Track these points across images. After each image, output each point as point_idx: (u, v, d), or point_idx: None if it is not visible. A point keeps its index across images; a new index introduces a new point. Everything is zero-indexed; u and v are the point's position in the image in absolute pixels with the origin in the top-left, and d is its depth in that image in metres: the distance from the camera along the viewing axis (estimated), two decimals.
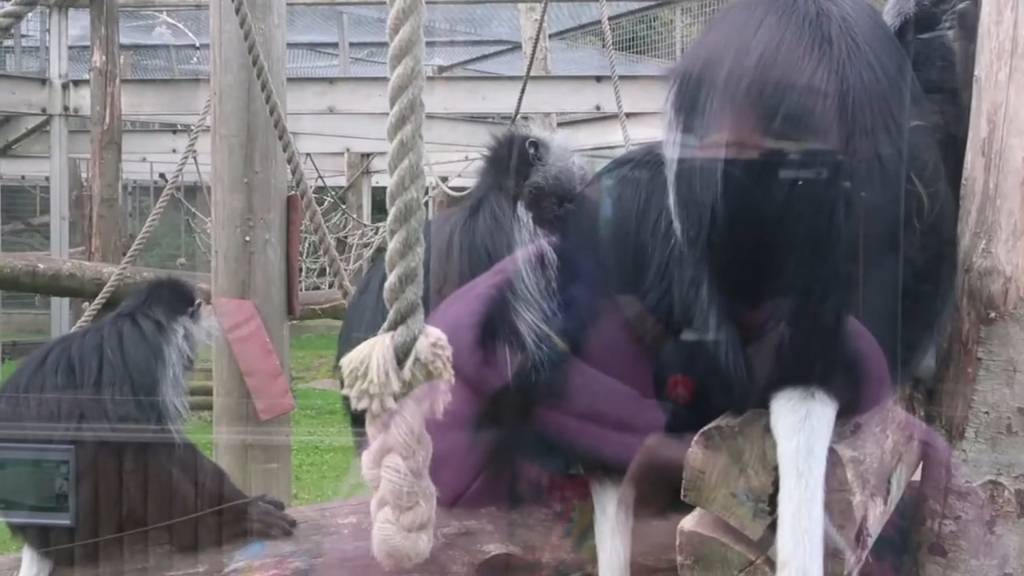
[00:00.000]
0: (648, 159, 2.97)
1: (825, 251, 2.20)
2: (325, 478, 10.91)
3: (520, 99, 9.06)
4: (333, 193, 21.81)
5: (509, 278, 2.86)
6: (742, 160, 2.24)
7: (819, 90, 2.21)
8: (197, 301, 3.37)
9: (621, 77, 9.70)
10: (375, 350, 2.02)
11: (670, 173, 2.44)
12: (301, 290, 7.33)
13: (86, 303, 11.65)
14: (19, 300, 22.76)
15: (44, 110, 14.09)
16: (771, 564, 2.29)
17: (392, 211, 2.04)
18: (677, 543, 2.40)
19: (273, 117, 5.16)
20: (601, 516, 2.89)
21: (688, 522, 2.41)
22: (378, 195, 24.99)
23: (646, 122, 13.49)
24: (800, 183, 2.19)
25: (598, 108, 13.18)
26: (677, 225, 2.42)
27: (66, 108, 13.94)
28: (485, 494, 3.00)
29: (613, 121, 10.88)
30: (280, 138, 5.19)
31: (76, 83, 13.99)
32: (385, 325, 2.06)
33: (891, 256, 2.33)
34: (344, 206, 21.24)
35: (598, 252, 2.94)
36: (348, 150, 19.68)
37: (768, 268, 2.24)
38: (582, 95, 13.40)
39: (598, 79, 13.16)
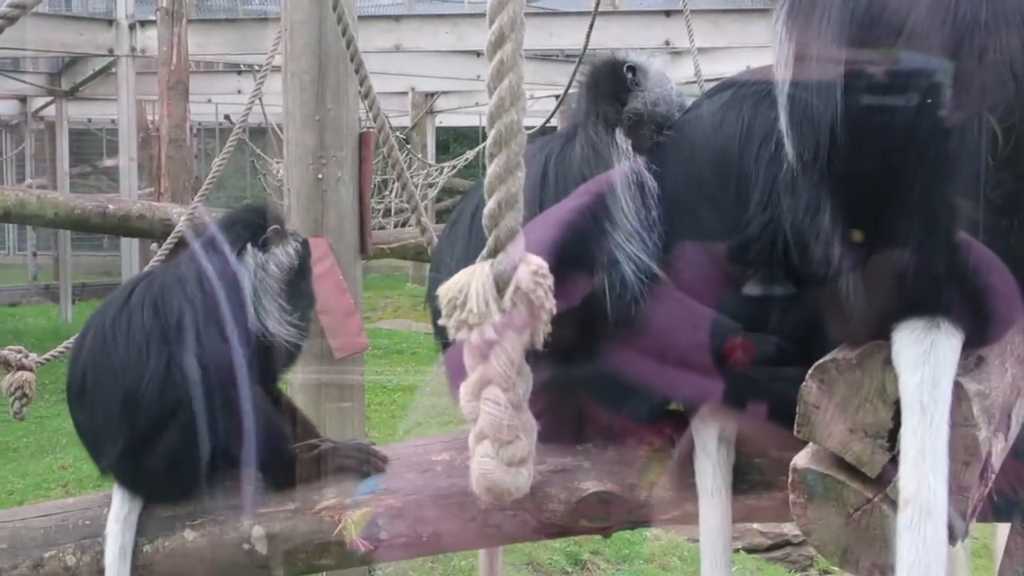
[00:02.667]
0: (750, 84, 2.86)
1: (954, 173, 2.08)
2: (394, 417, 10.95)
3: (588, 35, 8.89)
4: (397, 133, 21.74)
5: (607, 206, 2.76)
6: (865, 76, 2.12)
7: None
8: (269, 228, 3.28)
9: (692, 11, 9.49)
10: (474, 279, 1.94)
11: (781, 94, 2.32)
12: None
13: (154, 244, 11.74)
14: (88, 242, 23.03)
15: (111, 51, 14.10)
16: (890, 502, 2.20)
17: (491, 134, 1.94)
18: (789, 480, 2.31)
19: (349, 51, 5.08)
20: (702, 453, 2.81)
21: (801, 459, 2.32)
22: (441, 135, 24.97)
23: (717, 57, 13.34)
24: (928, 100, 2.06)
25: (667, 43, 12.96)
26: (790, 148, 2.30)
27: (133, 49, 13.94)
28: (581, 430, 2.92)
29: (683, 57, 10.70)
30: (356, 72, 5.10)
31: (143, 23, 13.97)
32: (484, 252, 1.98)
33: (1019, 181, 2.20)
34: (409, 146, 21.20)
35: (698, 180, 2.83)
36: (413, 89, 19.58)
37: (892, 191, 2.12)
38: (651, 30, 13.18)
39: (667, 14, 12.96)
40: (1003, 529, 2.95)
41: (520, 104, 1.92)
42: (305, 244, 3.37)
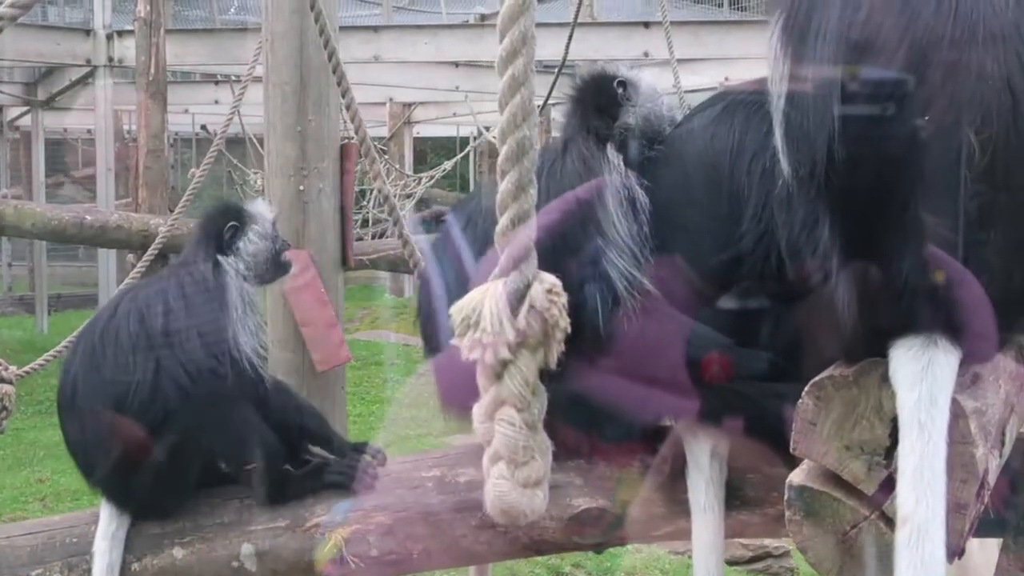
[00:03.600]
0: (740, 98, 2.85)
1: (952, 190, 2.08)
2: (373, 429, 10.90)
3: (567, 46, 8.88)
4: (377, 144, 21.69)
5: (599, 220, 2.75)
6: (861, 93, 2.11)
7: (947, 15, 2.08)
8: (229, 224, 3.29)
9: (671, 23, 9.49)
10: (487, 297, 1.92)
11: (776, 110, 2.32)
12: None
13: (131, 255, 11.68)
14: (63, 253, 22.87)
15: (88, 61, 14.02)
16: (887, 520, 2.20)
17: (504, 150, 1.92)
18: (785, 497, 2.30)
19: (332, 63, 5.05)
20: (695, 469, 2.80)
21: (797, 476, 2.31)
22: (418, 145, 24.93)
23: (695, 68, 13.36)
24: (925, 116, 2.06)
25: (646, 54, 12.98)
26: (785, 163, 2.30)
27: (110, 59, 13.87)
28: (572, 446, 2.91)
29: (663, 68, 10.71)
30: (339, 84, 5.08)
31: (120, 33, 13.90)
32: (496, 271, 1.95)
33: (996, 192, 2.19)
34: (387, 156, 21.15)
35: (690, 194, 2.82)
36: (391, 100, 19.55)
37: (889, 208, 2.11)
38: (630, 41, 13.19)
39: (646, 25, 12.97)
40: (991, 545, 2.95)
41: (532, 120, 1.91)
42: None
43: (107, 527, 3.02)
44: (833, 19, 2.17)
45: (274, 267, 3.36)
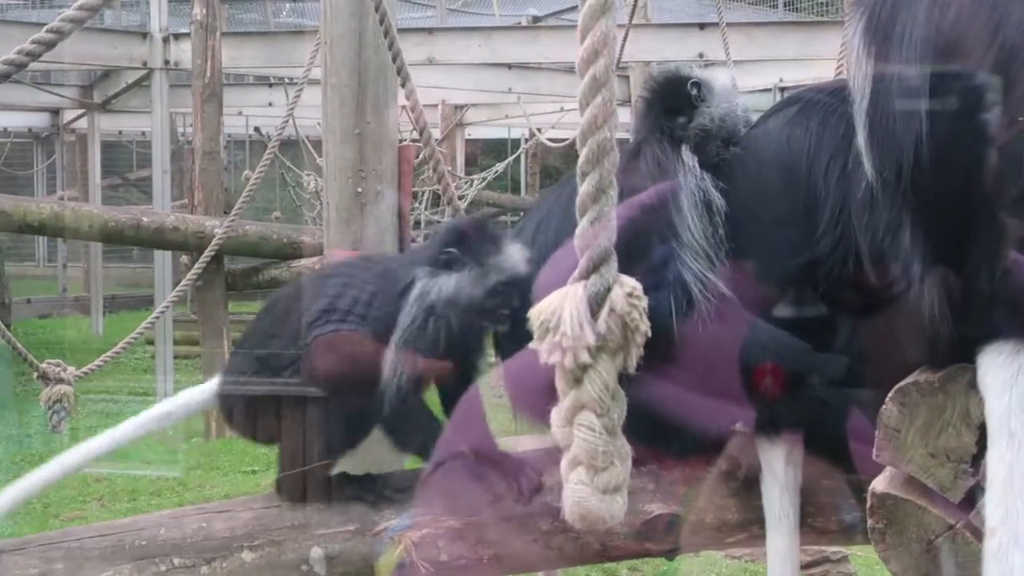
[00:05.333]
0: (817, 99, 2.81)
1: None
2: None
3: (621, 48, 8.81)
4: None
5: (674, 224, 2.72)
6: (949, 94, 2.07)
7: None
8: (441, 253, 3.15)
9: (727, 24, 9.43)
10: (567, 301, 1.90)
11: (859, 111, 2.28)
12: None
13: (185, 256, 11.74)
14: (118, 254, 23.08)
15: (145, 64, 14.10)
16: (974, 530, 2.15)
17: (584, 152, 1.90)
18: (868, 505, 2.27)
19: (396, 64, 5.05)
20: (769, 475, 2.77)
21: (880, 483, 2.27)
22: (470, 147, 24.95)
23: (750, 69, 13.29)
24: (1018, 119, 2.01)
25: (701, 56, 12.90)
26: (869, 166, 2.25)
27: (167, 62, 13.94)
28: (645, 452, 2.87)
29: (718, 69, 10.64)
30: (403, 86, 5.08)
31: (176, 36, 13.98)
32: (576, 273, 1.93)
33: None
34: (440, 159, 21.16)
35: (766, 197, 2.79)
36: (443, 102, 19.55)
37: (979, 210, 2.07)
38: (685, 43, 13.10)
39: (701, 27, 12.88)
40: None
41: (613, 121, 1.88)
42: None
43: None
44: (920, 18, 2.12)
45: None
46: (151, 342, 13.06)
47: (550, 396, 2.05)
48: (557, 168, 22.53)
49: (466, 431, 2.98)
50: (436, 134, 21.62)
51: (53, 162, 24.41)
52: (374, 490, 3.08)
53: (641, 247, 2.73)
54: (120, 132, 23.76)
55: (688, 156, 2.83)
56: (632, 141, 3.02)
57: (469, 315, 3.05)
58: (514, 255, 3.07)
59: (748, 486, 2.81)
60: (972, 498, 2.17)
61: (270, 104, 18.17)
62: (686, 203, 2.75)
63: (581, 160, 1.89)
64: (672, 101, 2.96)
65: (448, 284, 3.05)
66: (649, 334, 1.95)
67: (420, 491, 3.00)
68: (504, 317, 3.03)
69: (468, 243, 3.11)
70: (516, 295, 3.00)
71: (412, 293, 3.06)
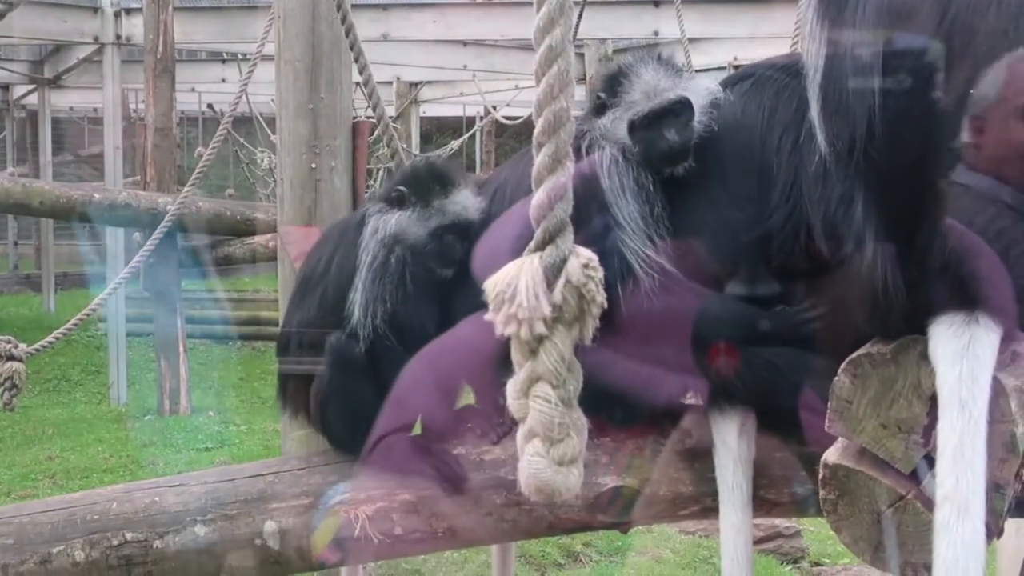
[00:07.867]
0: (769, 74, 2.81)
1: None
2: None
3: (577, 25, 8.80)
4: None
5: (607, 202, 2.73)
6: (902, 66, 2.08)
7: None
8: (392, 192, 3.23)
9: (681, 1, 9.42)
10: (523, 272, 1.88)
11: (813, 85, 2.29)
12: None
13: (138, 233, 11.64)
14: (69, 231, 22.84)
15: (96, 38, 13.95)
16: (925, 500, 2.18)
17: (540, 122, 1.88)
18: (820, 476, 2.29)
19: (349, 39, 5.01)
20: (722, 447, 2.77)
21: (832, 454, 2.29)
22: (425, 125, 24.88)
23: (705, 48, 13.31)
24: (971, 91, 2.03)
25: (656, 33, 12.92)
26: (822, 139, 2.27)
27: (118, 36, 13.79)
28: (598, 425, 2.88)
29: (673, 47, 10.65)
30: (356, 61, 5.05)
31: (128, 11, 13.83)
32: (531, 245, 1.92)
33: None
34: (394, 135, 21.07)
35: (719, 171, 2.79)
36: (398, 78, 19.47)
37: (932, 183, 2.08)
38: (640, 21, 13.13)
39: (656, 4, 12.91)
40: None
41: (569, 91, 1.87)
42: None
43: None
44: None
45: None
46: (103, 319, 12.97)
47: (502, 367, 2.05)
48: (512, 146, 22.50)
49: (410, 400, 2.98)
50: (391, 111, 21.59)
51: (3, 139, 24.09)
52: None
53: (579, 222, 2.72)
54: (71, 108, 23.52)
55: (617, 143, 2.84)
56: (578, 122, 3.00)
57: (415, 255, 3.09)
58: (464, 200, 3.12)
59: (701, 457, 2.82)
60: (923, 469, 2.20)
61: (223, 80, 18.05)
62: (611, 188, 2.76)
63: (537, 130, 1.88)
64: (601, 86, 2.97)
65: (391, 221, 3.10)
66: (605, 305, 1.95)
67: (360, 464, 2.99)
68: (448, 261, 3.07)
69: (419, 183, 3.17)
70: (460, 242, 3.06)
71: (366, 229, 3.13)
